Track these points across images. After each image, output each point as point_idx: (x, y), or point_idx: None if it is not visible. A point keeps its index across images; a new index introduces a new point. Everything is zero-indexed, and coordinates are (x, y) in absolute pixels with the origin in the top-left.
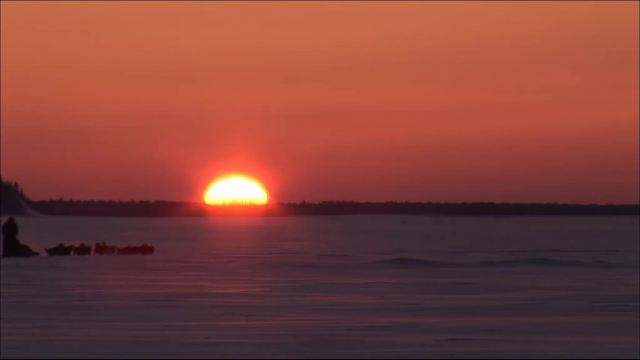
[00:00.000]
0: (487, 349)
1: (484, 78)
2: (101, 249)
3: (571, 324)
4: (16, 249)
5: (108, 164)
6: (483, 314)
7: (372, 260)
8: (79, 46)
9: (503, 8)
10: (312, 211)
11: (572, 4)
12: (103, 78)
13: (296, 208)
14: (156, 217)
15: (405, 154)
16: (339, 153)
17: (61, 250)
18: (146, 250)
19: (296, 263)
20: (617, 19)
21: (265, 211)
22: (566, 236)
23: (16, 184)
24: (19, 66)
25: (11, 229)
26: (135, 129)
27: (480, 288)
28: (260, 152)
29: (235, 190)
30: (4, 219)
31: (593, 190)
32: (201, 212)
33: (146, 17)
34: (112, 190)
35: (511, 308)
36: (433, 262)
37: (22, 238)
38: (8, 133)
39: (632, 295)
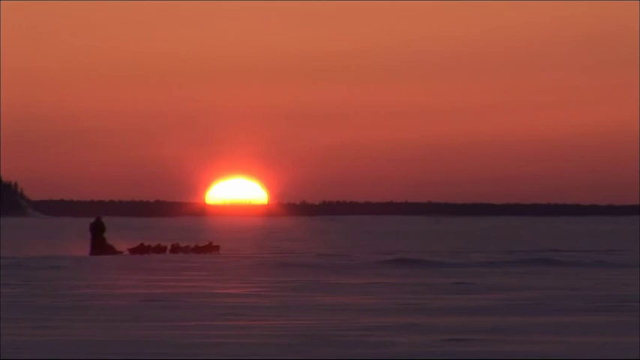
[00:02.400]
0: (487, 349)
1: (483, 78)
2: (175, 249)
3: (571, 324)
4: (103, 248)
5: (108, 164)
6: (483, 314)
7: (372, 260)
8: (79, 46)
9: (503, 9)
10: (312, 212)
11: (572, 4)
12: (103, 78)
13: (296, 208)
14: (156, 217)
15: (405, 154)
16: (339, 153)
17: (141, 250)
18: (212, 249)
19: (296, 263)
20: (617, 19)
21: (266, 212)
22: (566, 236)
23: (16, 184)
24: (19, 66)
25: (99, 228)
26: (135, 129)
27: (480, 288)
28: (261, 152)
29: (236, 190)
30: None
31: (593, 190)
32: (202, 212)
33: (146, 17)
34: (112, 190)
35: (511, 308)
36: (433, 262)
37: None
38: (8, 133)
39: (632, 295)
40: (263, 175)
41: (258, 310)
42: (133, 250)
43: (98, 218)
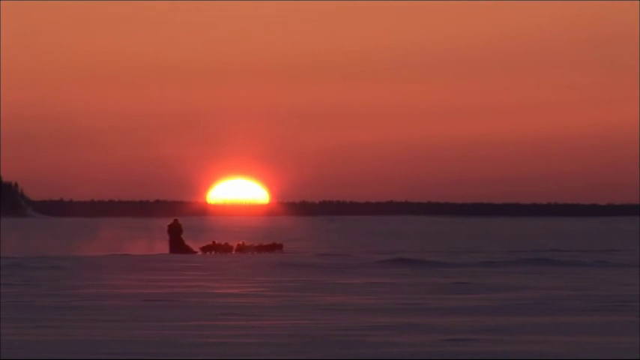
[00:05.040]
0: (487, 349)
1: (483, 78)
2: (241, 248)
3: (571, 324)
4: (181, 248)
5: (108, 164)
6: (483, 314)
7: (372, 260)
8: (79, 46)
9: (502, 11)
10: (312, 211)
11: (573, 4)
12: (103, 78)
13: (296, 207)
14: (157, 217)
15: (405, 154)
16: (339, 153)
17: (212, 248)
18: (276, 247)
19: (296, 263)
20: (617, 19)
21: (267, 211)
22: (566, 236)
23: (16, 184)
24: (19, 66)
25: (176, 229)
26: (135, 129)
27: (480, 288)
28: (261, 152)
29: (237, 190)
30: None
31: (593, 190)
32: (203, 212)
33: (147, 17)
34: (112, 190)
35: (511, 308)
36: (433, 262)
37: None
38: (8, 133)
39: (632, 295)
40: (263, 175)
41: (258, 310)
42: (205, 249)
43: (175, 220)
